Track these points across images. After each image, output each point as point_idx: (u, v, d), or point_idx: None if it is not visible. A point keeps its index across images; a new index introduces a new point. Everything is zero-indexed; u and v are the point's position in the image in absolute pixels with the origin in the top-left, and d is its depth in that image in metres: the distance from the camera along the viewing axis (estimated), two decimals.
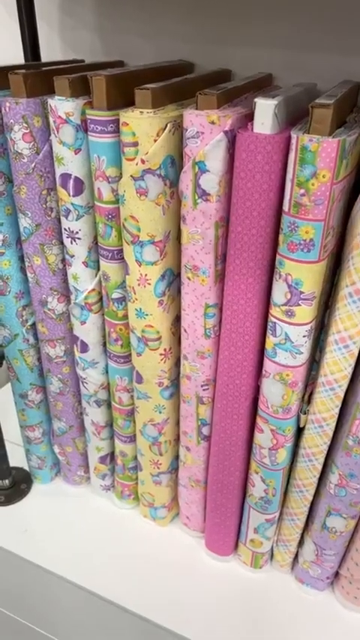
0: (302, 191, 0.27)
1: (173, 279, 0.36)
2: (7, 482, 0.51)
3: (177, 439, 0.44)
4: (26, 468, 0.54)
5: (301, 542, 0.43)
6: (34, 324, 0.44)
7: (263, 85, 0.38)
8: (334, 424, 0.35)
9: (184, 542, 0.48)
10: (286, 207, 0.29)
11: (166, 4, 0.41)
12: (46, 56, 0.45)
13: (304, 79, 0.39)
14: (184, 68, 0.41)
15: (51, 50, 0.46)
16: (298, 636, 0.40)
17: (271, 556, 0.45)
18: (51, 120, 0.33)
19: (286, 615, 0.42)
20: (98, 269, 0.38)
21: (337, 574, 0.43)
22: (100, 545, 0.47)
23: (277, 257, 0.30)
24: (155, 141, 0.30)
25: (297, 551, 0.44)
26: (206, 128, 0.29)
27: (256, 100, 0.27)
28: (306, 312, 0.31)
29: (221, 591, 0.44)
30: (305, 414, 0.36)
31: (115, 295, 0.38)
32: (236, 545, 0.46)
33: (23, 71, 0.33)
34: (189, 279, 0.34)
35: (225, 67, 0.41)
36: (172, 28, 0.42)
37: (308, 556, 0.42)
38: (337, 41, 0.38)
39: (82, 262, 0.38)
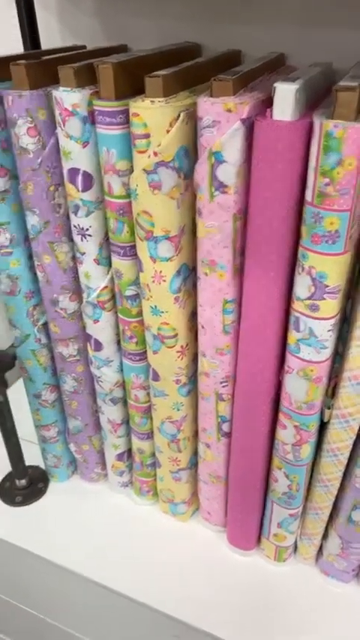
0: (327, 180, 0.26)
1: (189, 274, 0.35)
2: (23, 482, 0.51)
3: (195, 435, 0.43)
4: (42, 466, 0.53)
5: (325, 536, 0.42)
6: (45, 324, 0.43)
7: (277, 66, 0.37)
8: None
9: (206, 536, 0.47)
10: (309, 198, 0.27)
11: None
12: (45, 42, 0.43)
13: (318, 57, 0.37)
14: (192, 50, 0.39)
15: (50, 36, 0.44)
16: (325, 627, 0.40)
17: (295, 549, 0.45)
18: (56, 112, 0.32)
19: (312, 607, 0.41)
20: (110, 266, 0.37)
21: None
22: (120, 542, 0.47)
23: (300, 249, 0.29)
24: (168, 132, 0.29)
25: (321, 544, 0.43)
26: (222, 117, 0.27)
27: (275, 84, 0.26)
28: (331, 306, 0.30)
29: (245, 585, 0.43)
30: (330, 408, 0.35)
31: (128, 293, 0.37)
32: (259, 539, 0.45)
33: (25, 61, 0.31)
34: (206, 274, 0.33)
35: (234, 48, 0.39)
36: (176, 8, 0.40)
37: (333, 549, 0.42)
38: (351, 16, 0.36)
39: (94, 260, 0.37)
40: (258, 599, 0.42)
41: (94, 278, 0.37)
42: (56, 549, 0.46)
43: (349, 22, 0.36)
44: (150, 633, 0.45)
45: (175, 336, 0.36)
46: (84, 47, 0.42)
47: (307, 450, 0.37)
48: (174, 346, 0.37)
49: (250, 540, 0.45)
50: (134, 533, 0.47)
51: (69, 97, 0.31)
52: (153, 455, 0.46)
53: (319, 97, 0.31)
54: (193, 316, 0.37)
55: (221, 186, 0.29)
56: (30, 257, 0.39)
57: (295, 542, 0.44)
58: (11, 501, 0.50)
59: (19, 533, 0.47)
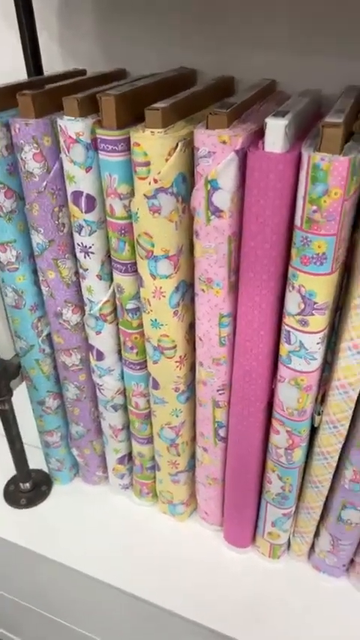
0: (314, 207, 0.28)
1: (187, 289, 0.37)
2: (27, 485, 0.52)
3: (193, 439, 0.46)
4: (45, 469, 0.55)
5: (317, 534, 0.45)
6: (49, 335, 0.45)
7: (269, 93, 0.39)
8: (347, 424, 0.36)
9: (203, 535, 0.49)
10: (298, 223, 0.29)
11: (165, 11, 0.41)
12: (47, 66, 0.45)
13: (308, 83, 0.39)
14: (188, 76, 0.41)
15: (52, 60, 0.46)
16: (317, 621, 0.42)
17: (288, 546, 0.47)
18: (61, 139, 0.33)
19: (305, 601, 0.44)
20: (111, 281, 0.39)
21: (352, 561, 0.45)
22: (121, 542, 0.49)
23: (290, 269, 0.31)
24: (167, 160, 0.31)
25: (313, 542, 0.46)
26: (218, 148, 0.29)
27: (266, 120, 0.28)
28: (319, 321, 0.32)
29: (241, 580, 0.45)
30: (319, 414, 0.38)
31: (129, 306, 0.39)
32: (254, 537, 0.48)
33: (31, 91, 0.33)
34: (203, 290, 0.35)
35: (227, 74, 0.41)
36: (172, 34, 0.42)
37: (324, 546, 0.44)
38: (339, 44, 0.38)
39: (96, 275, 0.39)
40: (254, 595, 0.44)
41: (97, 292, 0.39)
42: (59, 549, 0.48)
43: (337, 50, 0.38)
44: (149, 627, 0.47)
45: (174, 347, 0.38)
46: (84, 71, 0.44)
47: (298, 454, 0.39)
48: (173, 357, 0.39)
49: (245, 539, 0.47)
50: (134, 532, 0.50)
51: (73, 126, 0.33)
52: (153, 458, 0.48)
53: (308, 125, 0.33)
54: (190, 328, 0.39)
55: (217, 211, 0.31)
56: (35, 272, 0.41)
57: (289, 539, 0.46)
58: (16, 504, 0.52)
59: (23, 535, 0.49)
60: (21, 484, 0.53)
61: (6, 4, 0.44)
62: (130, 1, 0.42)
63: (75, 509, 0.52)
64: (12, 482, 0.54)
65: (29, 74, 0.43)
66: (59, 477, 0.54)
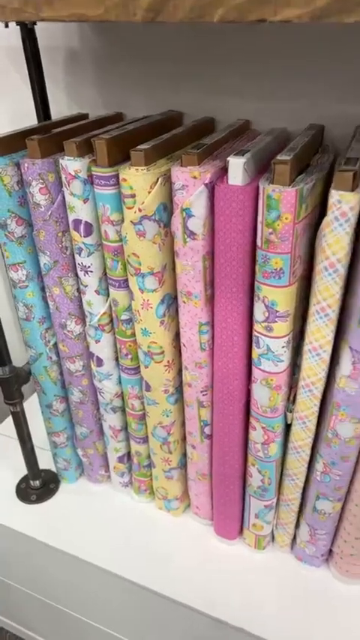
0: (270, 230, 0.34)
1: (172, 302, 0.42)
2: (37, 482, 0.58)
3: (184, 438, 0.51)
4: (54, 469, 0.60)
5: (297, 525, 0.49)
6: (55, 344, 0.50)
7: (243, 132, 0.45)
8: (315, 420, 0.41)
9: (196, 529, 0.54)
10: (259, 243, 0.35)
11: (157, 63, 0.48)
12: (54, 109, 0.52)
13: (277, 122, 0.45)
14: (175, 118, 0.48)
15: (59, 105, 0.53)
16: (299, 607, 0.46)
17: (273, 538, 0.51)
18: (62, 176, 0.40)
19: (288, 589, 0.48)
20: (108, 295, 0.45)
21: (330, 552, 0.49)
22: (123, 535, 0.53)
23: (255, 283, 0.36)
24: (149, 192, 0.37)
25: (295, 533, 0.50)
26: (190, 182, 0.35)
27: (228, 158, 0.33)
28: (282, 327, 0.37)
29: (230, 570, 0.50)
30: (291, 412, 0.42)
31: (123, 317, 0.44)
32: (241, 530, 0.52)
33: (38, 137, 0.40)
34: (184, 302, 0.40)
35: (209, 116, 0.47)
36: (162, 83, 0.48)
37: (304, 536, 0.48)
38: (302, 90, 0.44)
39: (95, 291, 0.44)
40: (242, 583, 0.48)
41: (95, 305, 0.45)
42: (65, 541, 0.53)
43: (300, 95, 0.44)
44: (146, 611, 0.51)
45: (162, 352, 0.44)
46: (86, 115, 0.50)
47: (274, 448, 0.44)
48: (161, 361, 0.44)
49: (233, 531, 0.51)
50: (134, 526, 0.54)
51: (72, 165, 0.39)
52: (149, 457, 0.53)
53: (270, 159, 0.38)
54: (177, 336, 0.45)
55: (192, 234, 0.37)
56: (42, 289, 0.47)
57: (273, 532, 0.51)
58: (27, 500, 0.57)
59: (33, 527, 0.54)
60: (31, 482, 0.58)
61: (18, 59, 0.51)
62: (126, 54, 0.49)
63: (80, 505, 0.57)
64: (23, 481, 0.59)
65: (38, 118, 0.50)
66: (66, 476, 0.59)
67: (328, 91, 0.43)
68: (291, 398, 0.42)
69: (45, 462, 0.61)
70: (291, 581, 0.48)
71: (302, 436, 0.42)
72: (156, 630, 0.53)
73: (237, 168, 0.33)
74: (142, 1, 0.25)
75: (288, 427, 0.44)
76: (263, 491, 0.46)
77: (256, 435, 0.43)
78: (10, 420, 0.69)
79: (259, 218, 0.34)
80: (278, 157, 0.33)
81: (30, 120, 0.54)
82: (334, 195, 0.31)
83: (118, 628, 0.57)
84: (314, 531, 0.47)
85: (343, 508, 0.45)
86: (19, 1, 0.28)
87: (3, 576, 0.62)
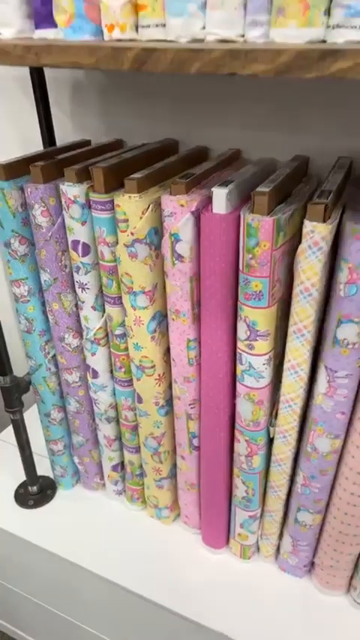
0: (250, 255, 0.36)
1: (162, 319, 0.45)
2: (35, 488, 0.60)
3: (174, 449, 0.53)
4: (51, 476, 0.63)
5: (280, 536, 0.51)
6: (54, 356, 0.53)
7: (233, 161, 0.47)
8: (295, 434, 0.43)
9: (185, 537, 0.56)
10: (240, 267, 0.37)
11: (156, 94, 0.51)
12: (59, 136, 0.55)
13: (266, 152, 0.48)
14: (171, 146, 0.51)
15: (64, 132, 0.56)
16: (281, 616, 0.48)
17: (258, 548, 0.53)
18: (63, 200, 0.43)
19: (271, 599, 0.49)
20: (104, 311, 0.48)
21: (312, 563, 0.51)
22: (115, 541, 0.55)
23: (238, 303, 0.39)
24: (141, 218, 0.39)
25: (278, 544, 0.52)
26: (178, 209, 0.38)
27: (212, 189, 0.36)
28: (263, 346, 0.39)
29: (216, 579, 0.51)
30: (273, 427, 0.44)
31: (117, 332, 0.47)
32: (228, 540, 0.54)
33: (40, 163, 0.43)
34: (173, 319, 0.43)
35: (203, 145, 0.50)
36: (161, 112, 0.52)
37: (287, 547, 0.50)
38: (289, 122, 0.47)
39: (91, 307, 0.47)
40: (227, 592, 0.50)
41: (92, 320, 0.48)
42: (61, 545, 0.55)
43: (288, 127, 0.47)
44: (135, 615, 0.53)
45: (153, 366, 0.46)
46: (89, 141, 0.54)
47: (257, 460, 0.46)
48: (152, 374, 0.47)
49: (220, 540, 0.53)
50: (127, 534, 0.56)
51: (71, 190, 0.42)
52: (141, 466, 0.55)
53: (253, 189, 0.41)
54: (167, 351, 0.47)
55: (180, 257, 0.39)
56: (43, 304, 0.50)
57: (257, 542, 0.52)
58: (25, 505, 0.60)
59: (30, 531, 0.57)
60: (30, 487, 0.60)
61: (25, 89, 0.55)
62: (127, 85, 0.52)
63: (75, 511, 0.59)
64: (22, 486, 0.62)
65: (44, 144, 0.53)
66: (63, 483, 0.62)
67: (312, 125, 0.46)
68: (274, 413, 0.45)
69: (43, 468, 0.64)
70: (274, 591, 0.50)
71: (283, 449, 0.44)
72: (145, 634, 0.55)
73: (220, 198, 0.36)
74: (129, 53, 0.28)
75: (271, 441, 0.46)
76: (248, 502, 0.48)
77: (240, 447, 0.45)
78: (10, 427, 0.72)
79: (241, 244, 0.36)
80: (258, 189, 0.36)
81: (36, 145, 0.58)
82: (308, 226, 0.34)
83: (108, 631, 0.59)
84: (296, 542, 0.49)
85: (323, 521, 0.47)
86: (22, 49, 0.31)
87: (0, 579, 0.64)
